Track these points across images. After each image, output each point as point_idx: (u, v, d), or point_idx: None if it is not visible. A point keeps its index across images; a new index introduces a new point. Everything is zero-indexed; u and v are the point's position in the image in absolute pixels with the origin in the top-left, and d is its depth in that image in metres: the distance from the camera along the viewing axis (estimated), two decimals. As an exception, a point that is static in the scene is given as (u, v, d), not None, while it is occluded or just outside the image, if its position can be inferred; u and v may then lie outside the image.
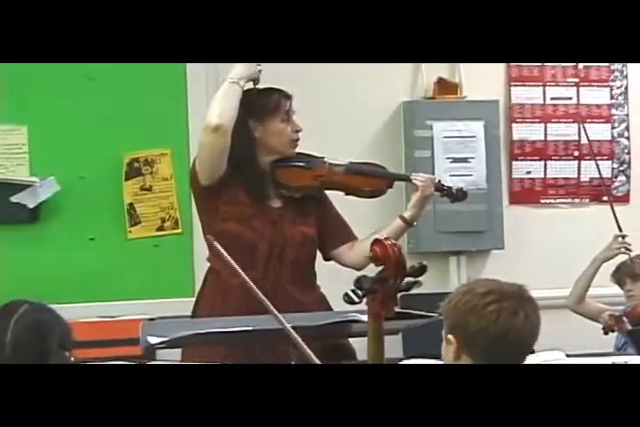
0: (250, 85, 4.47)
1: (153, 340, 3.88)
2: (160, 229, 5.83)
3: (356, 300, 3.25)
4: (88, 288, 5.66)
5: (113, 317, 5.58)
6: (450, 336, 2.93)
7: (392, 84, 6.16)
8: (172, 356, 4.27)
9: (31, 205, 5.60)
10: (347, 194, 4.63)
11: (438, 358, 3.47)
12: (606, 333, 4.99)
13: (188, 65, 5.80)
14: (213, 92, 5.46)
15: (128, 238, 5.79)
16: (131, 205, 5.79)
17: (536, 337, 2.91)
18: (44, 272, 5.62)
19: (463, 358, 2.91)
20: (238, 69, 4.41)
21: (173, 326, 4.09)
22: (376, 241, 3.00)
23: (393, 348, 5.40)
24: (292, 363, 3.65)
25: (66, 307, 4.87)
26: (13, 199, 5.58)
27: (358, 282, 2.94)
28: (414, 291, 6.30)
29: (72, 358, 3.21)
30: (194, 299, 4.61)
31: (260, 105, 4.47)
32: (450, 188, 4.65)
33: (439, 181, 4.65)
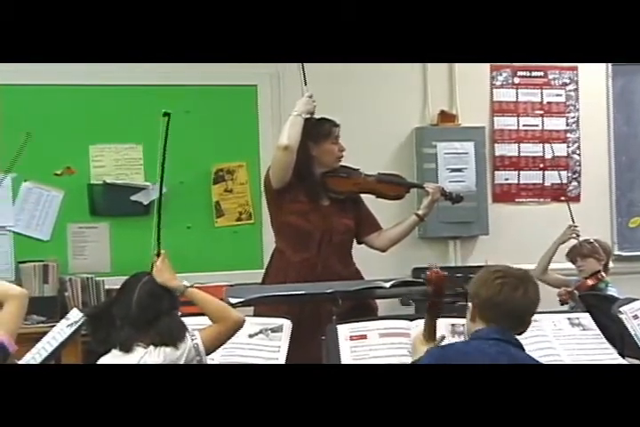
0: (308, 116, 4.40)
1: (233, 300, 3.85)
2: (238, 219, 5.78)
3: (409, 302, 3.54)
4: (186, 263, 5.42)
5: (204, 284, 5.47)
6: (469, 304, 2.90)
7: (407, 115, 6.10)
8: (248, 312, 4.03)
9: (145, 203, 5.57)
10: (376, 197, 4.61)
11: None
12: (562, 304, 4.96)
13: (259, 104, 5.77)
14: (276, 122, 5.51)
15: (215, 227, 5.75)
16: (217, 202, 5.75)
17: (533, 310, 2.87)
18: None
19: (477, 320, 2.87)
20: (300, 106, 4.37)
21: (248, 290, 4.08)
22: (428, 269, 3.10)
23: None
24: (323, 337, 3.49)
25: (169, 277, 5.06)
26: (132, 198, 5.57)
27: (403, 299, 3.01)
28: (425, 265, 6.18)
29: (180, 314, 3.20)
30: (263, 271, 4.59)
31: (316, 131, 4.42)
32: (451, 193, 4.65)
33: (443, 188, 4.63)
